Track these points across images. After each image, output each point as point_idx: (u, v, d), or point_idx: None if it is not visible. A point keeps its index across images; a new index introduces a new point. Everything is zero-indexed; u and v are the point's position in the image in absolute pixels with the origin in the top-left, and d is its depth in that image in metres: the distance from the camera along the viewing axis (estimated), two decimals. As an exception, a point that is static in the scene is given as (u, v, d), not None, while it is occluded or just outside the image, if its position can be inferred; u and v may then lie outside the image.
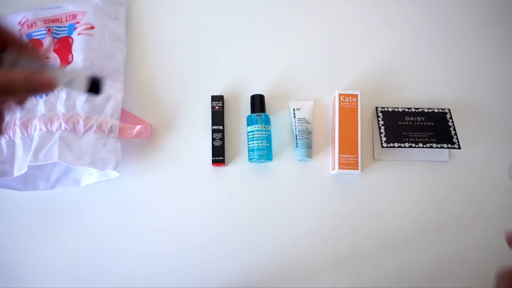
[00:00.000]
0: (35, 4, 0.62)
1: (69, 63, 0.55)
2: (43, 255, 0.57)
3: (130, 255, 0.57)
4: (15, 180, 0.55)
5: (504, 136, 0.60)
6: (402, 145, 0.56)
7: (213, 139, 0.58)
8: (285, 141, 0.60)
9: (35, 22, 0.58)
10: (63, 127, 0.51)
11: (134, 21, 0.66)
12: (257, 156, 0.56)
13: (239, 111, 0.61)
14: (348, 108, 0.57)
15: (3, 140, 0.52)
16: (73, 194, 0.59)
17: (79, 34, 0.57)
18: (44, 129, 0.51)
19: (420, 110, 0.58)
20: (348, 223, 0.57)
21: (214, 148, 0.58)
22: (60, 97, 0.53)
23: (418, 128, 0.57)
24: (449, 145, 0.56)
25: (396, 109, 0.59)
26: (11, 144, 0.52)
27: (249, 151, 0.57)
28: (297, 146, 0.58)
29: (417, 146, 0.56)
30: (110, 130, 0.54)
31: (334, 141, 0.57)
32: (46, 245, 0.58)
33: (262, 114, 0.58)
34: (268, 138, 0.57)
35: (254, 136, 0.57)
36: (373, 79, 0.62)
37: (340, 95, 0.58)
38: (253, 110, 0.59)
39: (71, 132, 0.52)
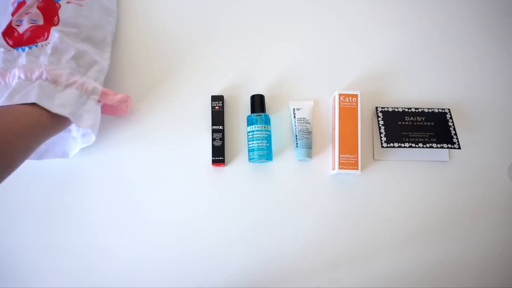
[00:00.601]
0: None
1: (54, 24, 0.55)
2: (43, 255, 0.57)
3: (129, 255, 0.57)
4: None
5: (504, 136, 0.60)
6: (402, 145, 0.56)
7: (213, 139, 0.58)
8: (285, 141, 0.60)
9: None
10: (43, 77, 0.50)
11: (130, 22, 0.66)
12: (257, 156, 0.56)
13: (239, 111, 0.61)
14: (348, 108, 0.57)
15: None
16: (74, 193, 0.59)
17: (68, 2, 0.57)
18: (23, 77, 0.50)
19: (420, 110, 0.58)
20: (348, 223, 0.57)
21: (214, 148, 0.58)
22: (44, 51, 0.52)
23: (418, 128, 0.57)
24: (449, 145, 0.56)
25: (396, 109, 0.59)
26: None
27: (249, 151, 0.57)
28: (297, 146, 0.58)
29: (417, 146, 0.56)
30: (92, 91, 0.54)
31: (334, 141, 0.57)
32: (46, 244, 0.58)
33: (262, 114, 0.58)
34: (268, 138, 0.57)
35: (254, 136, 0.57)
36: (373, 79, 0.62)
37: (340, 95, 0.58)
38: (253, 110, 0.59)
39: (52, 83, 0.51)
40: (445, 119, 0.58)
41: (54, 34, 0.53)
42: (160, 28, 0.65)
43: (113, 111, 0.58)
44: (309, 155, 0.58)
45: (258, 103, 0.59)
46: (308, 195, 0.58)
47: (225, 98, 0.62)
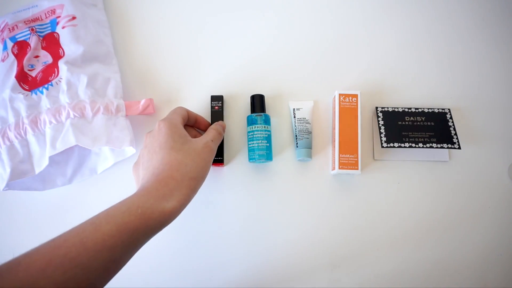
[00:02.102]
0: (10, 9, 0.61)
1: (61, 56, 0.56)
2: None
3: (130, 255, 0.57)
4: (34, 180, 0.56)
5: (504, 136, 0.60)
6: (402, 145, 0.56)
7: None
8: (285, 141, 0.60)
9: (16, 25, 0.58)
10: (71, 115, 0.52)
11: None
12: (257, 156, 0.56)
13: (239, 111, 0.61)
14: (348, 108, 0.57)
15: (16, 141, 0.52)
16: (74, 193, 0.59)
17: (63, 27, 0.57)
18: (54, 121, 0.52)
19: (420, 110, 0.58)
20: (348, 223, 0.57)
21: (214, 148, 0.58)
22: (61, 88, 0.53)
23: (418, 128, 0.57)
24: (449, 145, 0.56)
25: (396, 109, 0.59)
26: (25, 144, 0.53)
27: (249, 151, 0.57)
28: (297, 146, 0.58)
29: (417, 146, 0.56)
30: (117, 109, 0.55)
31: (334, 141, 0.57)
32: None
33: (262, 114, 0.58)
34: (268, 138, 0.57)
35: (254, 136, 0.57)
36: (373, 79, 0.62)
37: (340, 95, 0.58)
38: (253, 110, 0.59)
39: (81, 118, 0.52)
40: (445, 119, 0.58)
41: (63, 67, 0.54)
42: (158, 28, 0.65)
43: (143, 114, 0.59)
44: (309, 155, 0.58)
45: (258, 103, 0.59)
46: (308, 195, 0.58)
47: (225, 98, 0.62)
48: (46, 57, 0.56)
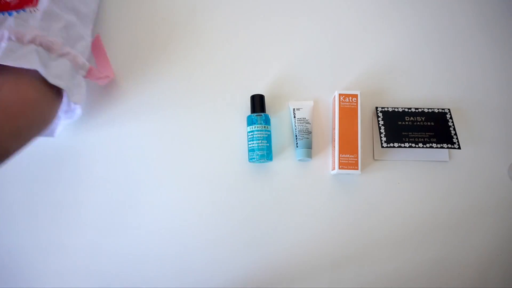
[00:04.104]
0: None
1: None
2: (43, 255, 0.57)
3: (129, 256, 0.57)
4: None
5: (504, 136, 0.60)
6: (402, 145, 0.56)
7: (213, 139, 0.58)
8: (285, 141, 0.60)
9: None
10: (37, 42, 0.48)
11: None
12: (257, 156, 0.56)
13: (239, 111, 0.61)
14: (348, 108, 0.57)
15: None
16: (74, 192, 0.59)
17: None
18: (13, 38, 0.47)
19: (420, 110, 0.58)
20: (348, 223, 0.57)
21: (214, 148, 0.58)
22: (34, 16, 0.50)
23: (418, 128, 0.57)
24: (449, 145, 0.56)
25: (396, 109, 0.59)
26: None
27: (249, 151, 0.57)
28: (297, 146, 0.58)
29: (417, 146, 0.56)
30: (82, 67, 0.53)
31: (334, 141, 0.57)
32: (45, 245, 0.58)
33: (262, 114, 0.58)
34: (268, 138, 0.57)
35: (254, 136, 0.57)
36: (373, 79, 0.62)
37: (340, 95, 0.58)
38: (253, 110, 0.59)
39: (46, 51, 0.49)
40: (445, 119, 0.58)
41: (43, 0, 0.51)
42: (157, 29, 0.65)
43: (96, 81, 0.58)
44: (309, 155, 0.58)
45: (258, 103, 0.59)
46: (308, 195, 0.58)
47: (224, 98, 0.62)
48: None
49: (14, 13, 0.50)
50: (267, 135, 0.57)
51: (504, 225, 0.57)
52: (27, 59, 0.45)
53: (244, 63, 0.63)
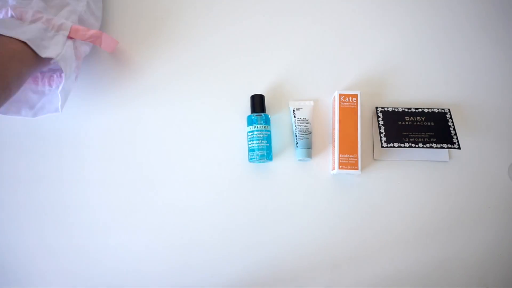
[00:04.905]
0: None
1: None
2: (45, 254, 0.57)
3: (129, 256, 0.57)
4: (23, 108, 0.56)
5: (504, 136, 0.60)
6: (402, 145, 0.56)
7: (213, 139, 0.58)
8: (285, 141, 0.60)
9: None
10: (9, 14, 0.51)
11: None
12: (257, 156, 0.56)
13: (239, 111, 0.61)
14: (348, 108, 0.57)
15: None
16: (75, 191, 0.59)
17: None
18: None
19: (420, 110, 0.58)
20: (348, 223, 0.57)
21: (214, 148, 0.58)
22: None
23: (418, 128, 0.57)
24: (449, 145, 0.56)
25: (396, 109, 0.59)
26: None
27: (249, 151, 0.57)
28: (297, 146, 0.58)
29: (417, 146, 0.56)
30: (60, 27, 0.54)
31: (334, 141, 0.57)
32: (47, 244, 0.58)
33: (262, 114, 0.58)
34: (268, 138, 0.57)
35: (254, 136, 0.57)
36: (373, 79, 0.62)
37: (340, 95, 0.58)
38: (253, 110, 0.59)
39: (17, 20, 0.51)
40: (445, 119, 0.58)
41: None
42: (157, 29, 0.65)
43: (96, 44, 0.58)
44: (309, 155, 0.58)
45: (258, 103, 0.59)
46: (308, 195, 0.58)
47: (224, 97, 0.62)
48: None
49: None
50: (267, 135, 0.57)
51: (504, 225, 0.57)
52: None
53: (244, 63, 0.63)
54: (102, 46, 0.58)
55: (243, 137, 0.60)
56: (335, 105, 0.58)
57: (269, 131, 0.58)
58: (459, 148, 0.55)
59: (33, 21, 0.52)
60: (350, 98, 0.58)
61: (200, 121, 0.61)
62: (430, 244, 0.56)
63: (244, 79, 0.63)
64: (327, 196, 0.58)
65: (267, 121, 0.58)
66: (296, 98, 0.62)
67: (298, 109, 0.60)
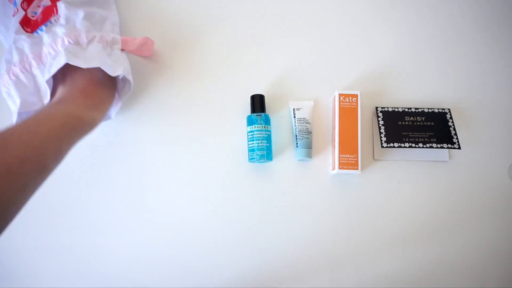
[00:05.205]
0: None
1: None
2: (45, 255, 0.57)
3: (129, 255, 0.57)
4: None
5: (504, 136, 0.60)
6: (402, 145, 0.56)
7: (213, 139, 0.58)
8: (285, 141, 0.60)
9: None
10: (66, 42, 0.54)
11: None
12: (257, 156, 0.56)
13: (239, 111, 0.61)
14: (348, 108, 0.57)
15: (22, 75, 0.55)
16: (75, 191, 0.59)
17: None
18: (52, 51, 0.54)
19: (420, 110, 0.58)
20: (348, 223, 0.57)
21: (214, 148, 0.58)
22: (59, 23, 0.56)
23: (418, 128, 0.57)
24: (449, 145, 0.56)
25: (396, 109, 0.59)
26: (31, 78, 0.55)
27: (249, 151, 0.57)
28: (297, 146, 0.58)
29: (417, 146, 0.56)
30: (113, 41, 0.57)
31: (334, 141, 0.57)
32: (48, 245, 0.58)
33: (262, 114, 0.58)
34: (268, 138, 0.57)
35: (254, 136, 0.57)
36: (373, 79, 0.62)
37: (340, 95, 0.58)
38: (253, 110, 0.59)
39: (75, 45, 0.54)
40: (445, 119, 0.58)
41: (61, 5, 0.57)
42: (156, 29, 0.65)
43: (140, 53, 0.62)
44: (309, 155, 0.58)
45: (258, 103, 0.59)
46: (308, 195, 0.58)
47: (223, 97, 0.62)
48: (45, 1, 0.58)
49: (44, 27, 0.56)
50: (267, 135, 0.57)
51: (504, 225, 0.57)
52: (59, 62, 0.52)
53: (244, 63, 0.63)
54: (147, 53, 0.61)
55: (243, 137, 0.60)
56: (335, 105, 0.58)
57: (269, 131, 0.58)
58: (459, 148, 0.55)
59: (89, 42, 0.55)
60: (350, 98, 0.58)
61: (200, 121, 0.61)
62: (430, 244, 0.56)
63: (244, 79, 0.63)
64: (327, 196, 0.58)
65: (267, 121, 0.58)
66: (296, 98, 0.62)
67: (298, 109, 0.60)
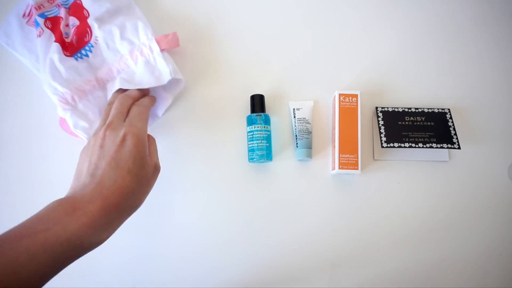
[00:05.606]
0: None
1: (87, 17, 0.58)
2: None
3: (128, 255, 0.57)
4: None
5: (504, 136, 0.60)
6: (402, 145, 0.56)
7: (213, 139, 0.58)
8: (285, 141, 0.60)
9: (41, 5, 0.60)
10: (120, 71, 0.58)
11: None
12: (257, 156, 0.56)
13: (239, 111, 0.61)
14: (348, 108, 0.57)
15: (90, 97, 0.56)
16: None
17: None
18: (109, 79, 0.58)
19: (420, 110, 0.58)
20: (348, 223, 0.57)
21: (214, 148, 0.58)
22: (101, 47, 0.58)
23: (418, 128, 0.57)
24: (449, 145, 0.56)
25: (396, 109, 0.59)
26: (93, 100, 0.57)
27: (249, 151, 0.57)
28: (297, 146, 0.58)
29: (417, 146, 0.56)
30: (151, 49, 0.58)
31: (334, 141, 0.57)
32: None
33: (262, 114, 0.58)
34: (268, 138, 0.57)
35: (253, 136, 0.57)
36: (373, 79, 0.62)
37: (340, 95, 0.58)
38: (253, 110, 0.59)
39: (128, 70, 0.57)
40: (445, 119, 0.58)
41: (94, 25, 0.58)
42: (156, 29, 0.65)
43: (170, 48, 0.61)
44: (309, 155, 0.58)
45: (258, 103, 0.59)
46: (308, 195, 0.58)
47: (224, 97, 0.62)
48: (73, 21, 0.59)
49: (90, 54, 0.58)
50: (267, 135, 0.57)
51: (504, 225, 0.57)
52: (115, 84, 0.55)
53: (244, 63, 0.63)
54: (176, 45, 0.60)
55: (243, 137, 0.60)
56: (335, 105, 0.58)
57: (269, 131, 0.58)
58: (459, 148, 0.55)
59: (136, 62, 0.58)
60: (350, 98, 0.58)
61: (200, 121, 0.61)
62: (430, 244, 0.56)
63: (244, 79, 0.63)
64: (327, 196, 0.58)
65: (267, 121, 0.58)
66: (296, 98, 0.62)
67: (298, 109, 0.60)
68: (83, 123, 0.54)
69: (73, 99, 0.55)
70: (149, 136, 0.49)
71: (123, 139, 0.43)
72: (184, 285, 0.56)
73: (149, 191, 0.46)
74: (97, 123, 0.55)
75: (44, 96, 0.60)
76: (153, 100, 0.56)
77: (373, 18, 0.65)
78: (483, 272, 0.55)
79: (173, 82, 0.59)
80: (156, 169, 0.47)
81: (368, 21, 0.65)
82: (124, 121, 0.47)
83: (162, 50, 0.58)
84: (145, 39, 0.58)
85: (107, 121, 0.46)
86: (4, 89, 0.63)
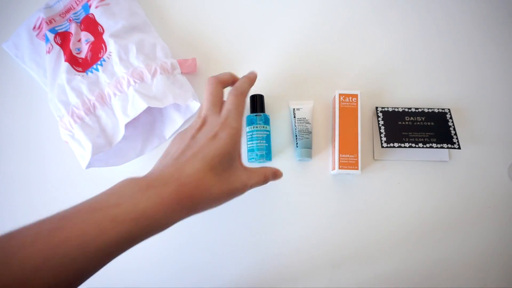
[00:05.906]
0: (39, 5, 0.62)
1: (102, 33, 0.57)
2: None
3: (128, 255, 0.57)
4: (110, 156, 0.57)
5: (504, 136, 0.60)
6: (402, 145, 0.56)
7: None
8: (285, 141, 0.60)
9: (52, 19, 0.60)
10: (132, 82, 0.54)
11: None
12: (257, 156, 0.56)
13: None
14: (348, 108, 0.57)
15: (87, 118, 0.54)
16: (76, 191, 0.59)
17: (96, 7, 0.58)
18: (118, 92, 0.54)
19: (420, 110, 0.58)
20: (348, 223, 0.57)
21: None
22: (113, 61, 0.55)
23: (418, 128, 0.57)
24: (449, 145, 0.56)
25: (396, 109, 0.59)
26: (95, 119, 0.54)
27: (248, 151, 0.57)
28: (297, 146, 0.58)
29: (417, 146, 0.56)
30: (173, 67, 0.57)
31: (334, 141, 0.57)
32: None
33: (261, 114, 0.58)
34: (268, 138, 0.57)
35: (253, 136, 0.57)
36: (373, 79, 0.62)
37: (340, 95, 0.58)
38: (252, 110, 0.59)
39: (141, 83, 0.54)
40: (445, 119, 0.58)
41: (109, 41, 0.56)
42: (156, 29, 0.65)
43: (188, 72, 0.61)
44: (309, 155, 0.58)
45: (258, 103, 0.59)
46: (308, 195, 0.58)
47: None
48: (87, 36, 0.57)
49: (99, 68, 0.55)
50: (266, 135, 0.57)
51: (504, 225, 0.57)
52: (137, 106, 0.52)
53: (244, 62, 0.63)
54: (194, 71, 0.60)
55: (243, 137, 0.60)
56: (335, 105, 0.58)
57: (269, 131, 0.58)
58: (459, 148, 0.55)
59: (153, 76, 0.55)
60: (350, 98, 0.58)
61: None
62: (430, 244, 0.56)
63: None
64: (327, 196, 0.58)
65: (266, 121, 0.58)
66: (296, 98, 0.61)
67: (298, 109, 0.60)
68: (81, 151, 0.53)
69: (71, 125, 0.53)
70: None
71: (215, 135, 0.40)
72: (183, 285, 0.56)
73: (225, 202, 0.42)
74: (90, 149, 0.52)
75: (44, 96, 0.60)
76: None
77: (373, 18, 0.65)
78: (483, 272, 0.55)
79: (186, 107, 0.58)
80: (243, 188, 0.43)
81: (368, 21, 0.65)
82: (220, 112, 0.43)
83: (182, 73, 0.58)
84: (165, 58, 0.57)
85: (202, 115, 0.43)
86: (4, 89, 0.63)
